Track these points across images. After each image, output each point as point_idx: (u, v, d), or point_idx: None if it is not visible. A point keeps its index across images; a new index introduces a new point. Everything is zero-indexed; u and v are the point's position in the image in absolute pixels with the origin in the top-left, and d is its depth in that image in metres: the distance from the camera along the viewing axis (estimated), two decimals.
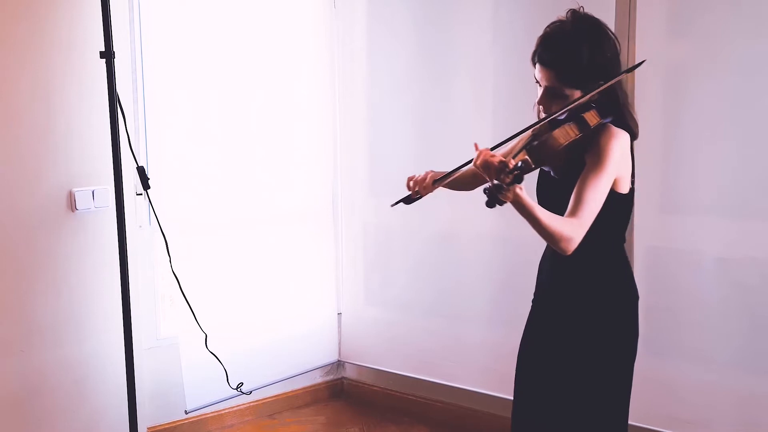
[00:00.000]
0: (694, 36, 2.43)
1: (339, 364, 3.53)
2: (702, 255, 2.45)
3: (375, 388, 3.44)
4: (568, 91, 1.75)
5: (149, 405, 2.95)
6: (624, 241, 1.91)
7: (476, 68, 2.89)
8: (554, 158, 1.72)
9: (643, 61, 1.84)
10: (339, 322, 3.44)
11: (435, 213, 3.07)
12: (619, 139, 1.75)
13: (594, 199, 1.69)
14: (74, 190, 2.66)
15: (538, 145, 1.71)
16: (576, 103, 1.73)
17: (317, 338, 3.37)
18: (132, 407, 2.51)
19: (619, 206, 1.80)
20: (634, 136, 1.83)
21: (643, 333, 2.57)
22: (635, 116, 1.85)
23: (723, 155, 2.38)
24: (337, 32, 3.25)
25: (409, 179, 1.96)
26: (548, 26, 1.80)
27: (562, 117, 1.77)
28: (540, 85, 1.79)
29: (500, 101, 2.84)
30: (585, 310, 1.85)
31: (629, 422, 2.63)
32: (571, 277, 1.87)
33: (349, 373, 3.54)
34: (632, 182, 1.83)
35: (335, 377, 3.54)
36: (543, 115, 1.81)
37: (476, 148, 1.65)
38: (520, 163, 1.53)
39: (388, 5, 3.11)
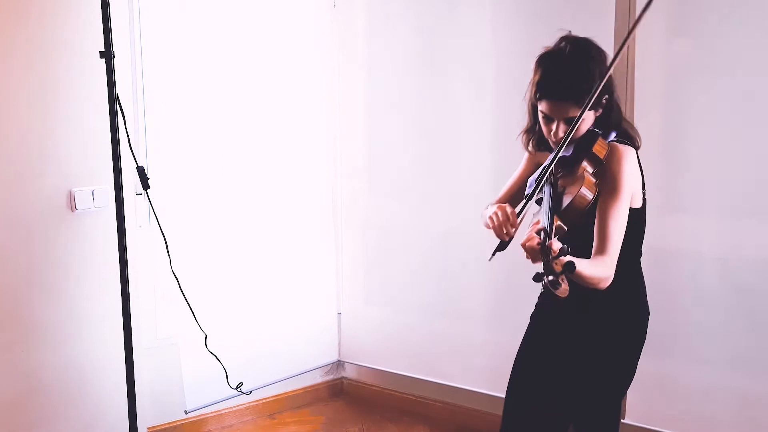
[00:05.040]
0: (694, 36, 2.43)
1: (339, 364, 3.53)
2: (702, 255, 2.45)
3: (375, 387, 3.44)
4: (589, 114, 1.72)
5: (149, 405, 2.95)
6: (640, 255, 1.89)
7: (476, 68, 2.89)
8: (580, 214, 1.69)
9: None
10: (339, 322, 3.43)
11: (435, 213, 3.07)
12: (629, 159, 1.74)
13: (617, 230, 1.69)
14: (74, 190, 2.66)
15: (567, 209, 1.67)
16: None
17: (317, 338, 3.37)
18: (132, 407, 2.51)
19: (633, 222, 1.77)
20: (637, 148, 1.82)
21: None
22: (633, 124, 1.85)
23: (723, 155, 2.38)
24: (337, 32, 3.25)
25: (494, 223, 1.79)
26: (543, 59, 1.76)
27: (568, 153, 1.74)
28: (550, 119, 1.75)
29: (500, 101, 2.84)
30: (596, 325, 1.84)
31: (629, 422, 2.65)
32: (584, 291, 1.85)
33: (349, 372, 3.54)
34: (643, 194, 1.82)
35: (335, 377, 3.54)
36: (554, 144, 1.77)
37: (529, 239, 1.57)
38: (563, 245, 1.50)
39: (388, 5, 3.11)
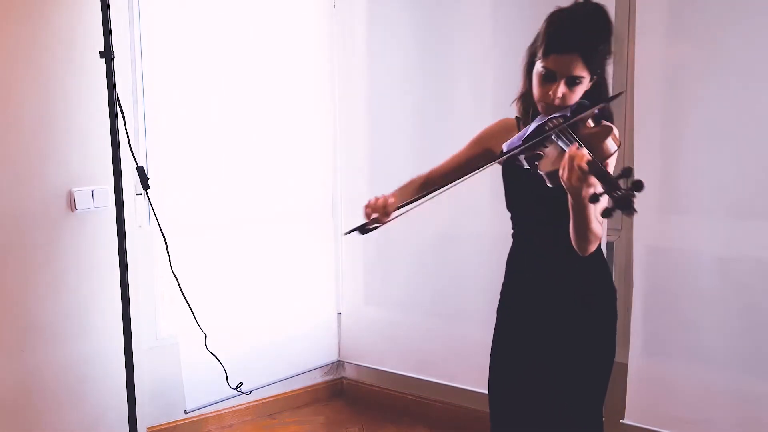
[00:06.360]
0: (694, 36, 2.43)
1: (338, 364, 3.53)
2: (702, 255, 2.45)
3: (375, 387, 3.44)
4: (587, 79, 1.68)
5: (149, 405, 2.96)
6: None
7: (476, 67, 2.89)
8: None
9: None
10: (339, 321, 3.44)
11: (435, 213, 3.07)
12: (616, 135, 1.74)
13: None
14: (74, 189, 2.66)
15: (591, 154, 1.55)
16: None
17: (317, 338, 3.37)
18: (132, 407, 2.52)
19: None
20: None
21: (643, 333, 2.59)
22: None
23: (723, 155, 2.38)
24: (337, 32, 3.25)
25: (367, 206, 1.89)
26: (555, 15, 1.71)
27: (567, 114, 1.69)
28: (551, 78, 1.68)
29: (500, 100, 2.82)
30: (571, 304, 1.87)
31: (629, 422, 2.65)
32: (557, 272, 1.88)
33: (349, 372, 3.54)
34: None
35: (335, 377, 3.54)
36: (547, 108, 1.72)
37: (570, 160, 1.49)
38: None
39: (388, 5, 3.11)
